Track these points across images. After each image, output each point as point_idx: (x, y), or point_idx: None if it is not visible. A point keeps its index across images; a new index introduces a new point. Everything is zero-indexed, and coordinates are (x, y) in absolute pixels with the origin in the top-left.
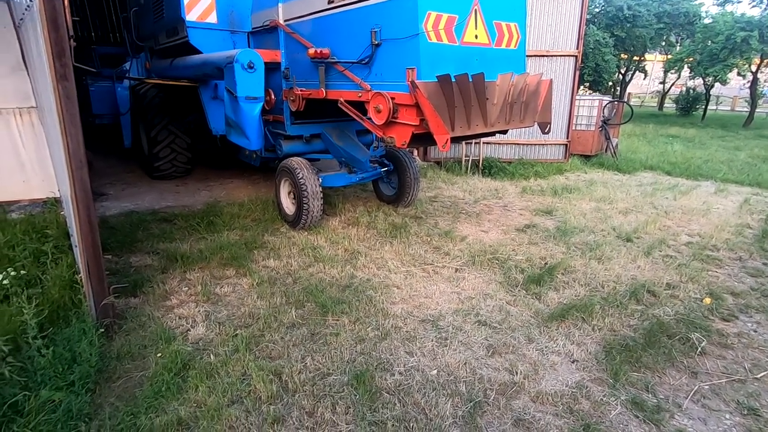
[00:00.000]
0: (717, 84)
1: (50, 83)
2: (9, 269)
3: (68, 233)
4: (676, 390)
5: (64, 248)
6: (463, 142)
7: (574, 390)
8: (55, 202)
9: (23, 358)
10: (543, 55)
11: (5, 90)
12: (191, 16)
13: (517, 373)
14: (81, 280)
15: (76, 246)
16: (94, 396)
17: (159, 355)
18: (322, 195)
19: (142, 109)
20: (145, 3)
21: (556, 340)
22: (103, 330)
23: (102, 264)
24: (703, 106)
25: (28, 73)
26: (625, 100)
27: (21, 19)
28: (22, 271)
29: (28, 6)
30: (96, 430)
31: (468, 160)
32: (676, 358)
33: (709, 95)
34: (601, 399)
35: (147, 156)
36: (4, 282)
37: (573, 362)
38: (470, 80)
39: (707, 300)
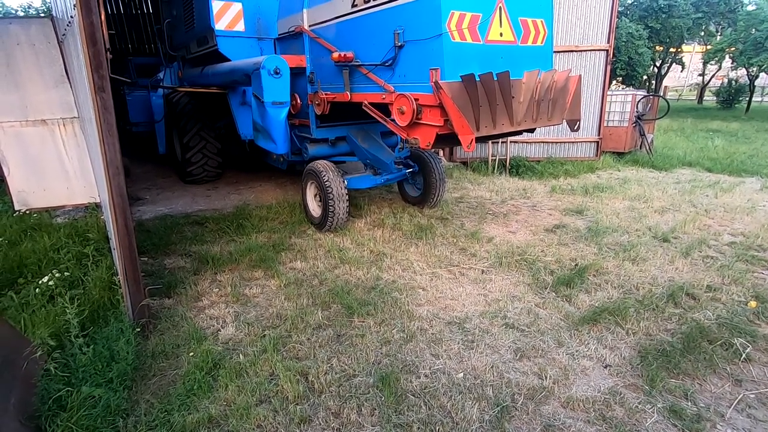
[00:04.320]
0: (762, 74)
1: (89, 94)
2: (54, 271)
3: (108, 236)
4: (718, 398)
5: (104, 251)
6: (490, 142)
7: (606, 396)
8: (96, 207)
9: (66, 356)
10: (572, 51)
11: (51, 102)
12: (220, 25)
13: (546, 378)
14: (119, 281)
15: (114, 249)
16: (131, 393)
17: (191, 354)
18: (347, 197)
19: (175, 117)
20: (177, 14)
21: (588, 344)
22: (139, 329)
23: (138, 266)
24: (747, 98)
25: (70, 86)
26: (661, 93)
27: (63, 35)
28: (66, 273)
29: (69, 22)
30: (132, 425)
31: (495, 159)
32: (718, 365)
33: (754, 86)
34: (636, 406)
35: (180, 161)
36: (50, 283)
37: (606, 367)
38: (495, 79)
39: (752, 303)
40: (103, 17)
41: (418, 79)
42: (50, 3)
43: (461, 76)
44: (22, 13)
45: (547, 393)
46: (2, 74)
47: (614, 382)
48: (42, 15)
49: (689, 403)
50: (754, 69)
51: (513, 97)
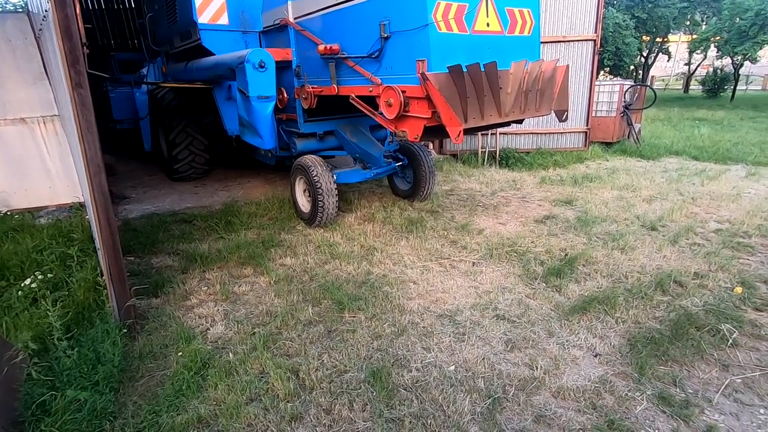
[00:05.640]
0: (746, 63)
1: (67, 91)
2: (37, 273)
3: (92, 236)
4: (706, 384)
5: (88, 251)
6: (479, 134)
7: (597, 385)
8: (80, 207)
9: (50, 359)
10: (559, 41)
11: (30, 99)
12: (203, 18)
13: (537, 368)
14: (104, 282)
15: (98, 249)
16: (118, 395)
17: (179, 354)
18: (336, 192)
19: (160, 113)
20: (159, 8)
21: (578, 333)
22: (125, 330)
23: (123, 266)
24: (732, 87)
25: (50, 83)
26: (648, 83)
27: (40, 30)
28: (49, 275)
29: (44, 16)
30: (120, 428)
31: (484, 151)
32: (706, 351)
33: (738, 75)
34: (626, 394)
35: (166, 159)
36: (33, 285)
37: (596, 356)
38: (482, 69)
39: (738, 289)
40: (78, 10)
41: (405, 70)
42: None
43: (448, 67)
44: None
45: (538, 383)
46: None
47: (604, 370)
48: (19, 10)
49: (678, 390)
50: (739, 58)
51: (500, 88)
